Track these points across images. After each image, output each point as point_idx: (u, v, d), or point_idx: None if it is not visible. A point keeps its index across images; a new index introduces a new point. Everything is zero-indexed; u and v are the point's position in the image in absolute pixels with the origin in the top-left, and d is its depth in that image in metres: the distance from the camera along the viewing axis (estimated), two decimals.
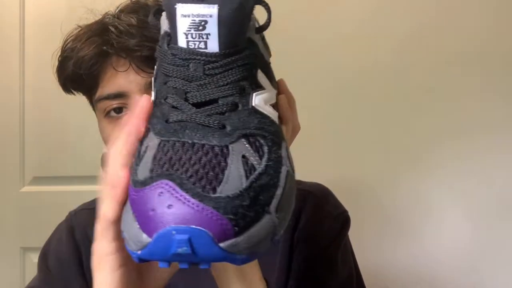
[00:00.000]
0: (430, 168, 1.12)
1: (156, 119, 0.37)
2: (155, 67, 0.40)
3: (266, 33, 0.42)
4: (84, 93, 0.66)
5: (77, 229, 0.72)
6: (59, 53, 0.63)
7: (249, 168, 0.33)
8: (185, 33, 0.36)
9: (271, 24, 0.40)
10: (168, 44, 0.38)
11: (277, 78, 0.46)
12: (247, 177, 0.33)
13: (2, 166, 1.22)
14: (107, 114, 0.61)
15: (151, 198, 0.32)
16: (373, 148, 1.13)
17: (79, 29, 0.62)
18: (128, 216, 0.34)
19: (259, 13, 0.40)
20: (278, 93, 0.45)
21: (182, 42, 0.36)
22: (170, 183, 0.32)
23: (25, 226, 1.21)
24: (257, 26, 0.40)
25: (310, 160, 0.98)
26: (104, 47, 0.58)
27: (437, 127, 1.13)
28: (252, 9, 0.38)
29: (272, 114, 0.39)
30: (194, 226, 0.30)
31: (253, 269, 0.48)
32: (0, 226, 1.22)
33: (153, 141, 0.36)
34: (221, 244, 0.31)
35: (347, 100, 1.14)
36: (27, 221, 1.21)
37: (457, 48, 1.12)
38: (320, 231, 0.70)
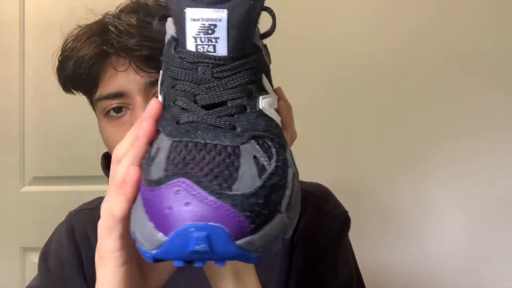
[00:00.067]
0: (430, 168, 1.13)
1: (166, 121, 0.37)
2: (161, 71, 0.41)
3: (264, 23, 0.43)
4: (84, 93, 0.66)
5: (77, 229, 0.72)
6: (59, 53, 0.63)
7: (260, 168, 0.34)
8: (194, 37, 0.36)
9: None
10: (175, 49, 0.38)
11: (278, 78, 0.47)
12: (259, 177, 0.33)
13: (2, 166, 1.22)
14: (106, 113, 0.61)
15: (168, 196, 0.32)
16: (373, 148, 1.14)
17: (79, 29, 0.62)
18: (140, 216, 0.34)
19: (263, 19, 0.40)
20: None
21: (190, 45, 0.37)
22: (187, 181, 0.32)
23: (25, 226, 1.21)
24: (261, 33, 0.41)
25: (310, 160, 0.98)
26: (104, 47, 0.58)
27: (437, 127, 1.13)
28: (258, 15, 0.39)
29: (277, 117, 0.40)
30: (212, 223, 0.31)
31: (249, 272, 0.48)
32: (0, 226, 1.22)
33: (164, 142, 0.36)
34: (238, 242, 0.31)
35: (347, 100, 1.14)
36: (27, 221, 1.21)
37: (457, 48, 1.12)
38: (320, 231, 0.70)
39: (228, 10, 0.36)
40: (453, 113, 1.12)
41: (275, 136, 0.37)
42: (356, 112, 1.14)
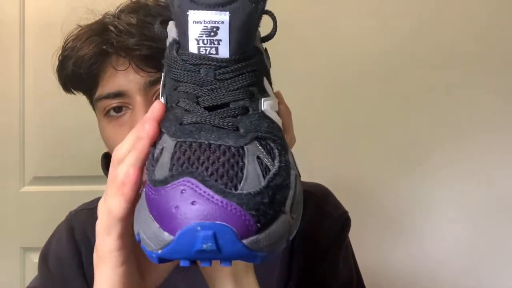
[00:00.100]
0: (430, 168, 1.13)
1: (169, 122, 0.38)
2: (163, 74, 0.41)
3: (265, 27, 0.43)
4: (84, 93, 0.66)
5: (77, 229, 0.72)
6: (60, 53, 0.63)
7: (264, 168, 0.34)
8: (196, 39, 0.37)
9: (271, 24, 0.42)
10: (177, 51, 0.39)
11: (278, 78, 0.47)
12: (264, 177, 0.34)
13: (2, 166, 1.22)
14: (106, 113, 0.61)
15: (174, 195, 0.32)
16: (373, 148, 1.13)
17: (80, 28, 0.62)
18: (145, 216, 0.34)
19: (263, 22, 0.41)
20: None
21: (193, 48, 0.37)
22: (193, 180, 0.32)
23: (25, 226, 1.21)
24: (261, 36, 0.42)
25: (310, 160, 0.98)
26: (104, 46, 0.59)
27: (437, 127, 1.13)
28: (260, 18, 0.39)
29: (278, 120, 0.40)
30: (218, 222, 0.31)
31: (248, 274, 0.48)
32: (0, 226, 1.22)
33: (168, 143, 0.36)
34: (244, 241, 0.31)
35: (347, 100, 1.14)
36: (27, 221, 1.21)
37: (458, 48, 1.12)
38: (321, 231, 0.70)
39: (230, 13, 0.36)
40: (453, 113, 1.12)
41: (277, 138, 0.37)
42: (356, 112, 1.14)
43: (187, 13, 0.36)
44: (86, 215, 0.73)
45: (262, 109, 0.38)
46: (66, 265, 0.70)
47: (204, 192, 0.31)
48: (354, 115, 1.14)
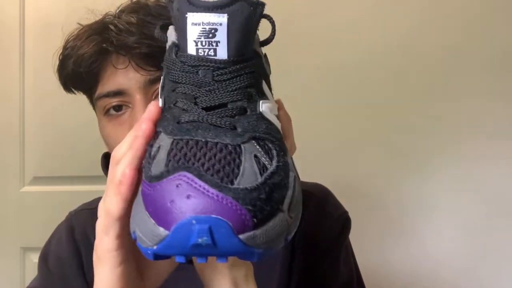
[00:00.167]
0: (431, 169, 1.12)
1: (166, 121, 0.38)
2: (162, 77, 0.41)
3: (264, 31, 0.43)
4: (85, 92, 0.66)
5: (77, 229, 0.72)
6: (60, 52, 0.63)
7: (261, 167, 0.34)
8: (195, 41, 0.37)
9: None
10: (176, 54, 0.39)
11: (278, 78, 0.47)
12: (261, 174, 0.34)
13: (2, 166, 1.22)
14: (106, 112, 0.61)
15: (169, 190, 0.32)
16: (373, 148, 1.13)
17: (80, 28, 0.63)
18: (141, 213, 0.34)
19: (262, 26, 0.41)
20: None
21: (191, 49, 0.37)
22: (188, 174, 0.32)
23: (25, 226, 1.21)
24: (260, 40, 0.42)
25: (310, 160, 0.98)
26: (104, 45, 0.59)
27: (438, 128, 1.13)
28: (258, 21, 0.39)
29: (277, 123, 0.40)
30: (214, 216, 0.31)
31: (248, 281, 0.47)
32: (0, 226, 1.22)
33: (165, 141, 0.36)
34: (240, 236, 0.31)
35: (348, 100, 1.14)
36: (27, 221, 1.21)
37: (457, 48, 1.12)
38: (321, 232, 0.70)
39: (228, 15, 0.36)
40: (453, 114, 1.12)
41: (275, 139, 0.37)
42: (356, 113, 1.14)
43: (186, 15, 0.37)
44: (86, 215, 0.73)
45: (260, 110, 0.38)
46: (66, 265, 0.70)
47: (200, 186, 0.31)
48: (355, 115, 1.14)
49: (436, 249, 1.12)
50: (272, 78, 0.45)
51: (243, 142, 0.35)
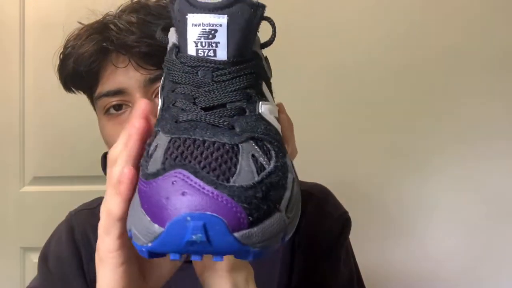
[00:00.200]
0: (431, 169, 1.12)
1: (165, 121, 0.38)
2: (162, 78, 0.42)
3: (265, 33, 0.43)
4: (85, 91, 0.66)
5: (77, 229, 0.72)
6: (61, 51, 0.64)
7: (259, 166, 0.34)
8: (195, 42, 0.37)
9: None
10: (176, 55, 0.39)
11: (278, 78, 0.47)
12: (258, 174, 0.34)
13: (2, 166, 1.22)
14: (106, 111, 0.61)
15: (164, 187, 0.32)
16: (373, 148, 1.13)
17: (81, 27, 0.63)
18: (137, 211, 0.34)
19: (263, 28, 0.41)
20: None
21: (191, 50, 0.38)
22: (184, 171, 0.32)
23: (25, 226, 1.21)
24: (261, 42, 0.42)
25: (310, 160, 0.98)
26: (104, 44, 0.59)
27: (438, 128, 1.13)
28: (259, 23, 0.39)
29: (277, 125, 0.40)
30: (209, 213, 0.30)
31: (248, 285, 0.47)
32: (0, 226, 1.22)
33: (162, 140, 0.36)
34: (236, 234, 0.31)
35: (348, 100, 1.14)
36: (27, 221, 1.21)
37: (457, 48, 1.12)
38: (321, 232, 0.70)
39: (228, 16, 0.36)
40: (454, 114, 1.12)
41: (274, 141, 0.37)
42: (356, 113, 1.14)
43: (186, 16, 0.37)
44: (86, 215, 0.73)
45: (260, 111, 0.38)
46: (66, 265, 0.70)
47: (195, 183, 0.31)
48: (355, 115, 1.14)
49: (436, 249, 1.12)
50: (272, 79, 0.45)
51: (241, 142, 0.35)
